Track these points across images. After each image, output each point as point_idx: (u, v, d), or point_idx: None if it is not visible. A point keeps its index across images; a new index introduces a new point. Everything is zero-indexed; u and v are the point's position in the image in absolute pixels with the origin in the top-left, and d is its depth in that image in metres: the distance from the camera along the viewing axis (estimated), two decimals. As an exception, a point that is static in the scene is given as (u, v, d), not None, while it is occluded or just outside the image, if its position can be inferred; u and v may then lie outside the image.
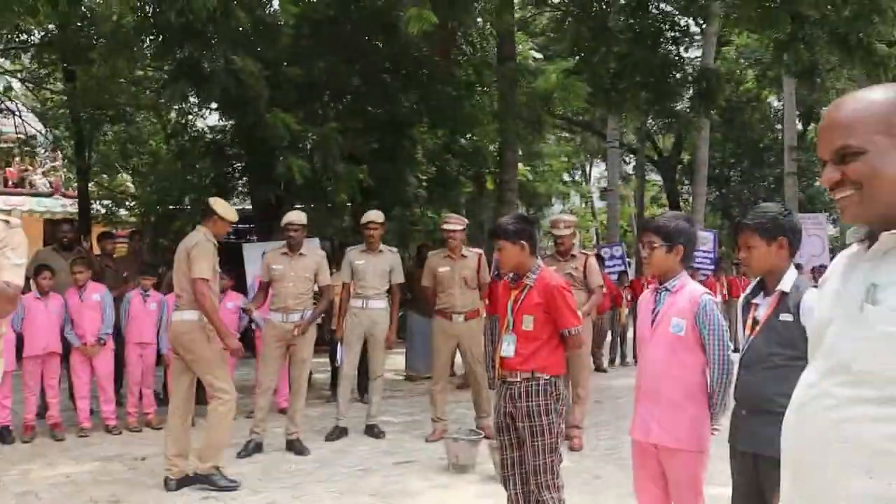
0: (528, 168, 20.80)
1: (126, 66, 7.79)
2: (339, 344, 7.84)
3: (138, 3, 7.84)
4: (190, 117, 11.47)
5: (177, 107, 10.33)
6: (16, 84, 18.21)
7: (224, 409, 5.87)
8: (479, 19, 10.63)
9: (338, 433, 7.60)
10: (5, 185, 19.08)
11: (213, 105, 10.23)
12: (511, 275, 4.31)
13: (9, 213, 3.42)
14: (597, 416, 8.41)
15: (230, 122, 9.97)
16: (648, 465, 3.67)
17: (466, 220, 7.54)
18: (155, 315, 8.03)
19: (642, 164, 26.09)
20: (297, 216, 7.19)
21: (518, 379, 4.13)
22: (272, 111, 8.22)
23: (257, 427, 6.99)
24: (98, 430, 7.77)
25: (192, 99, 9.43)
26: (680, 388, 3.55)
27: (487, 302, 8.24)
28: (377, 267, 7.73)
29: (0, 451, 7.10)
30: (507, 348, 4.18)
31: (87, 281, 7.74)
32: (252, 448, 6.82)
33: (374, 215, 7.88)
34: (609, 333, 13.36)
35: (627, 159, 29.99)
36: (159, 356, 8.20)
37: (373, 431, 7.71)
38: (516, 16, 17.35)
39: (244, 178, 10.90)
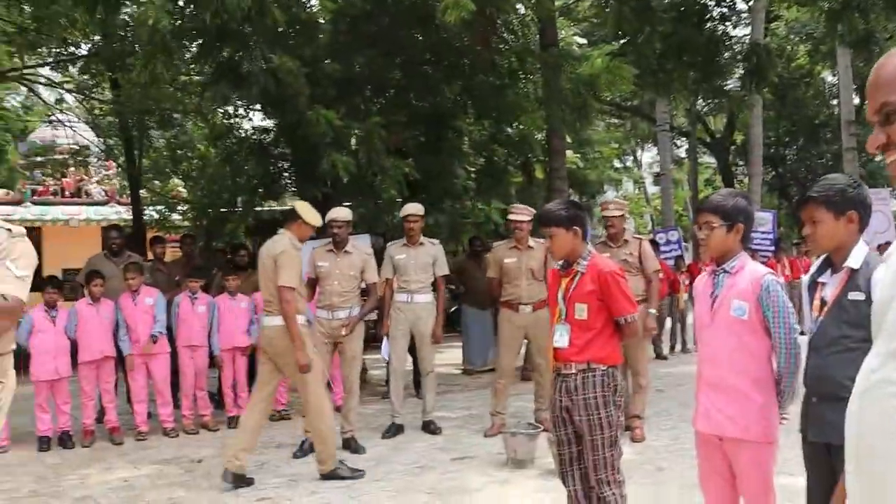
0: (578, 156, 20.52)
1: (165, 71, 7.74)
2: (385, 340, 7.75)
3: (174, 7, 7.82)
4: (235, 119, 11.46)
5: (221, 109, 10.32)
6: (67, 96, 18.49)
7: (319, 419, 5.98)
8: (520, 6, 10.41)
9: (394, 430, 7.53)
10: (62, 195, 19.34)
11: (257, 105, 10.19)
12: (561, 262, 4.14)
13: (12, 222, 3.27)
14: (658, 405, 8.21)
15: (273, 121, 9.93)
16: (713, 457, 3.49)
17: (533, 210, 7.37)
18: (204, 317, 8.02)
19: (694, 147, 25.59)
20: (340, 212, 7.11)
21: (573, 371, 3.98)
22: (313, 108, 8.14)
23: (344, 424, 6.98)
24: (156, 432, 7.82)
25: (235, 101, 9.37)
26: (745, 375, 3.36)
27: None
28: (419, 260, 7.63)
29: (61, 456, 7.18)
30: (561, 338, 4.03)
31: (139, 286, 7.76)
32: (307, 447, 6.77)
33: (413, 208, 7.81)
34: (668, 320, 13.09)
35: (679, 142, 29.48)
36: (212, 358, 8.21)
37: (429, 428, 7.62)
38: (559, 2, 17.17)
39: (290, 177, 10.84)
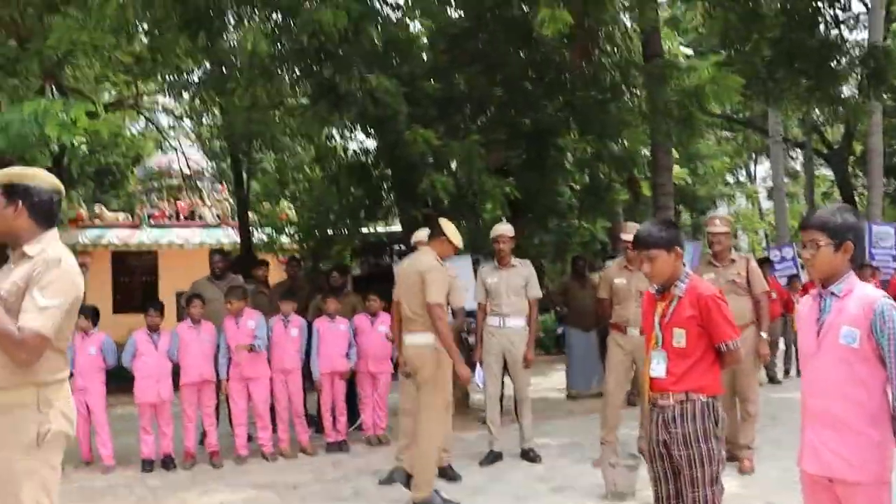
0: (687, 171, 19.95)
1: (265, 95, 7.80)
2: (478, 365, 7.56)
3: (272, 31, 7.87)
4: (339, 140, 11.52)
5: (324, 131, 10.37)
6: (178, 122, 19.09)
7: (428, 443, 5.92)
8: (625, 16, 10.13)
9: (492, 458, 7.31)
10: (177, 219, 19.95)
11: (359, 126, 10.20)
12: (656, 286, 3.88)
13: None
14: (769, 434, 7.73)
15: (374, 141, 9.93)
16: (822, 499, 3.15)
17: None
18: (297, 341, 7.98)
19: (810, 158, 24.57)
20: (421, 234, 7.02)
21: (671, 402, 3.71)
22: (411, 128, 8.06)
23: (402, 454, 6.75)
24: (255, 456, 7.80)
25: (335, 122, 9.39)
26: (856, 410, 3.02)
27: None
28: (511, 282, 7.41)
29: (163, 479, 7.24)
30: (657, 367, 3.76)
31: (241, 309, 7.80)
32: (397, 476, 6.63)
33: (503, 229, 7.60)
34: (781, 341, 12.47)
35: (794, 154, 28.39)
36: (311, 381, 8.19)
37: (528, 456, 7.38)
38: (665, 14, 16.72)
39: (392, 198, 10.81)
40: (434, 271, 5.84)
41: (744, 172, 37.53)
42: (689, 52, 14.97)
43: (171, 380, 7.67)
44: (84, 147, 8.02)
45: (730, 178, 32.95)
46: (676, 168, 15.61)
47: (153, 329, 7.65)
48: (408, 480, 6.04)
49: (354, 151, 10.95)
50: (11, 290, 3.05)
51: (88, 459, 7.82)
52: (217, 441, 7.78)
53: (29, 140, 7.59)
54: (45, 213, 3.22)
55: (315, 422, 8.71)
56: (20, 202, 3.17)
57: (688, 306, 3.71)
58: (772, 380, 11.96)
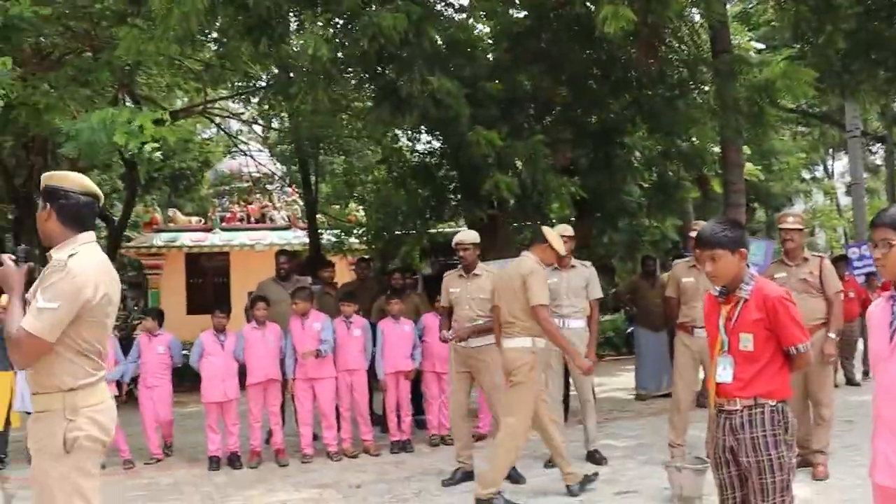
0: (760, 168, 19.46)
1: (326, 99, 7.85)
2: None
3: (333, 36, 7.92)
4: (406, 142, 11.57)
5: (388, 133, 10.42)
6: (246, 127, 19.39)
7: (511, 441, 5.92)
8: (693, 10, 9.90)
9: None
10: (248, 221, 20.27)
11: (422, 127, 10.21)
12: (719, 288, 3.76)
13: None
14: (845, 439, 7.48)
15: (438, 143, 9.93)
16: (899, 515, 3.00)
17: None
18: (360, 341, 8.03)
19: (892, 152, 23.73)
20: (467, 235, 6.97)
21: (738, 407, 3.57)
22: (474, 129, 8.03)
23: (461, 455, 6.78)
24: (320, 455, 7.87)
25: (398, 124, 9.43)
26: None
27: None
28: (571, 284, 7.34)
29: (228, 476, 7.36)
30: (724, 373, 3.63)
31: (307, 310, 7.87)
32: (459, 476, 6.61)
33: (563, 228, 7.54)
34: (860, 341, 12.07)
35: (873, 149, 27.50)
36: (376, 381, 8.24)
37: (594, 458, 7.28)
38: (736, 8, 16.36)
39: (456, 199, 10.79)
40: (535, 274, 5.94)
41: (820, 168, 36.50)
42: (761, 46, 14.58)
43: (238, 379, 7.80)
44: (156, 153, 8.15)
45: (806, 174, 32.02)
46: (749, 165, 15.27)
47: (220, 330, 7.79)
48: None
49: (420, 153, 10.96)
50: (32, 294, 3.13)
51: (159, 456, 8.02)
52: (283, 440, 7.88)
53: (97, 147, 7.79)
54: (74, 217, 3.24)
55: (380, 421, 8.77)
56: (49, 205, 3.23)
57: (754, 309, 3.57)
58: (850, 381, 11.59)
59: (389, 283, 9.39)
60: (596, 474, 6.42)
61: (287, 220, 20.85)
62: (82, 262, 3.13)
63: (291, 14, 8.09)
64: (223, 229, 19.78)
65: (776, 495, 3.50)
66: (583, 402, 7.45)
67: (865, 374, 12.08)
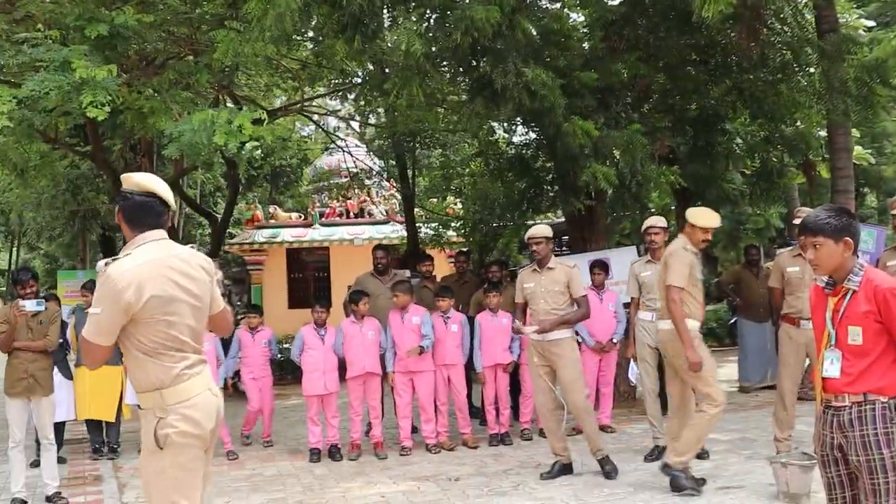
0: (870, 151, 18.66)
1: (421, 94, 7.88)
2: (632, 362, 7.39)
3: (426, 30, 7.94)
4: (501, 134, 11.52)
5: (484, 126, 10.39)
6: (343, 124, 19.66)
7: (710, 414, 5.97)
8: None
9: (657, 454, 7.10)
10: (347, 216, 20.56)
11: (518, 119, 10.14)
12: (826, 279, 3.60)
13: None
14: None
15: (533, 134, 9.85)
16: None
17: None
18: (457, 336, 8.04)
19: None
20: (537, 230, 6.88)
21: (847, 403, 3.42)
22: (570, 119, 7.93)
23: (556, 447, 6.76)
24: (419, 448, 7.94)
25: (493, 117, 9.39)
26: None
27: None
28: None
29: (328, 468, 7.49)
30: (831, 367, 3.47)
31: (407, 304, 7.93)
32: (557, 469, 6.57)
33: (654, 220, 7.48)
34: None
35: None
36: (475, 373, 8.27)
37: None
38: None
39: (553, 191, 10.70)
40: (674, 255, 5.98)
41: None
42: (871, 23, 13.98)
43: (338, 373, 7.92)
44: (256, 152, 8.36)
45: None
46: (858, 148, 14.64)
47: (320, 324, 7.91)
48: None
49: (516, 145, 10.91)
50: None
51: (268, 439, 8.37)
52: (382, 433, 7.96)
53: (199, 148, 8.00)
54: (134, 216, 3.29)
55: (478, 414, 8.78)
56: (118, 206, 3.31)
57: (863, 301, 3.40)
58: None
59: (487, 275, 9.37)
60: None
61: (385, 214, 21.09)
62: (123, 266, 3.14)
63: (384, 10, 8.13)
64: (323, 224, 20.09)
65: (889, 497, 3.33)
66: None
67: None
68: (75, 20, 8.51)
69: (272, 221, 20.27)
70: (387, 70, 10.61)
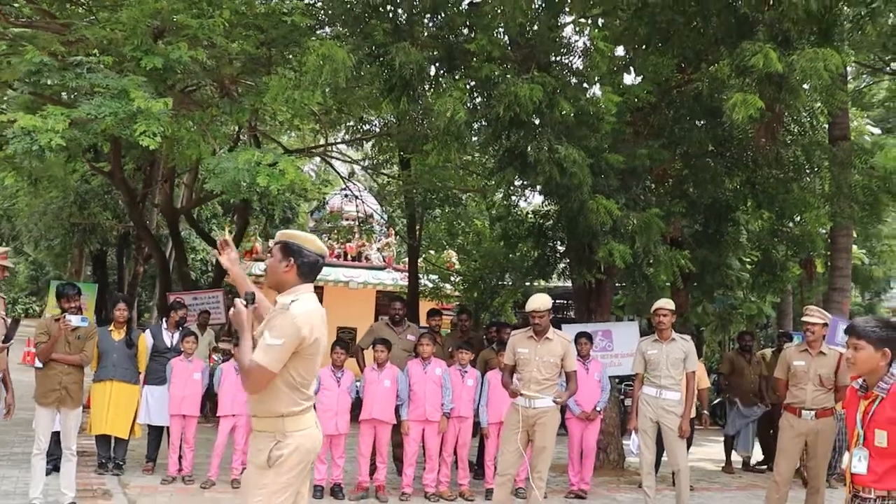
0: (864, 251, 19.24)
1: (457, 157, 8.32)
2: (633, 434, 7.75)
3: (471, 99, 8.39)
4: (514, 199, 11.97)
5: (512, 193, 10.83)
6: (357, 169, 20.09)
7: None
8: (814, 97, 10.11)
9: (649, 525, 7.42)
10: (344, 259, 20.86)
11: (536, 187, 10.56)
12: (860, 382, 4.00)
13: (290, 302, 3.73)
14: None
15: (552, 206, 10.27)
16: None
17: (829, 315, 7.18)
18: (472, 390, 8.37)
19: None
20: (540, 301, 7.08)
21: (872, 496, 3.82)
22: (595, 197, 8.37)
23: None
24: (417, 495, 8.22)
25: (517, 184, 9.81)
26: None
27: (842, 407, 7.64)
28: (671, 356, 7.62)
29: (330, 506, 7.71)
30: (859, 464, 3.87)
31: (431, 355, 8.27)
32: None
33: (664, 302, 7.88)
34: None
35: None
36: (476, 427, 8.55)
37: (685, 525, 7.44)
38: (850, 87, 16.43)
39: (563, 260, 11.12)
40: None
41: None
42: (877, 130, 14.62)
43: (349, 415, 8.18)
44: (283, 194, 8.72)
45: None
46: (854, 248, 15.19)
47: (338, 366, 8.19)
48: None
49: (532, 213, 11.33)
50: (259, 333, 3.68)
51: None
52: (385, 477, 8.21)
53: (241, 187, 8.37)
54: (309, 272, 3.82)
55: (474, 468, 9.06)
56: (292, 260, 3.73)
57: (890, 408, 3.79)
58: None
59: (496, 336, 9.69)
60: None
61: (383, 260, 21.42)
62: (302, 307, 3.66)
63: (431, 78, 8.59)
64: (320, 265, 20.38)
65: None
66: (677, 471, 7.61)
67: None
68: (132, 50, 8.91)
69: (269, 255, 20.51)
70: (411, 128, 11.10)
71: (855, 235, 14.85)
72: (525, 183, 9.21)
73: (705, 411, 9.83)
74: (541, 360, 6.89)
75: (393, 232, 21.39)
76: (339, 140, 17.16)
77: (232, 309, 3.71)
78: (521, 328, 7.61)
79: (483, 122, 8.79)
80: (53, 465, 7.01)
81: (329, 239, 21.80)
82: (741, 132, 9.95)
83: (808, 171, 10.29)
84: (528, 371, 6.92)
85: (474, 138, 9.82)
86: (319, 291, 20.43)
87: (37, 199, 19.53)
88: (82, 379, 7.04)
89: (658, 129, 9.73)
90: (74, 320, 6.68)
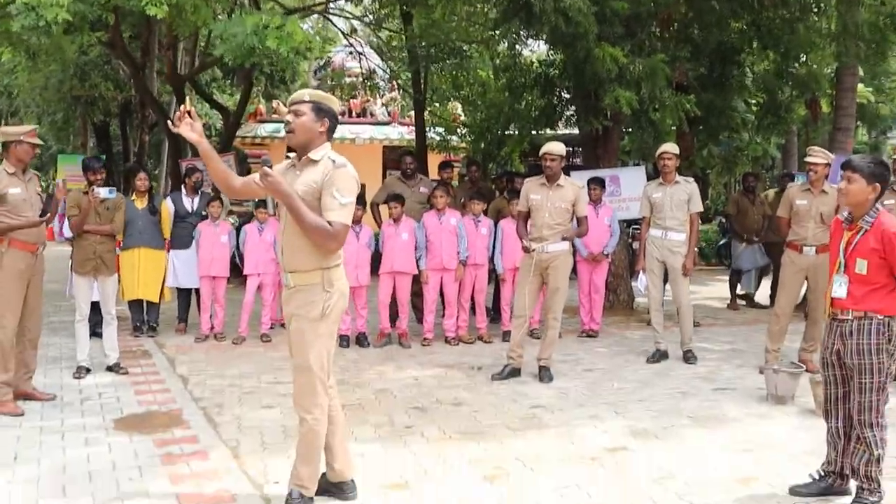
0: (871, 89, 19.17)
1: (461, 7, 8.32)
2: (641, 273, 8.12)
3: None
4: (518, 48, 11.94)
5: (505, 42, 10.79)
6: (357, 25, 19.80)
7: None
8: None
9: (658, 356, 7.92)
10: (349, 116, 20.88)
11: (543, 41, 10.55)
12: (846, 214, 4.29)
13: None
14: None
15: (558, 55, 10.28)
16: None
17: (831, 155, 7.39)
18: (486, 239, 8.72)
19: None
20: (554, 147, 7.22)
21: (850, 317, 4.18)
22: (600, 45, 8.42)
23: (512, 353, 7.23)
24: (438, 340, 8.69)
25: (522, 34, 9.79)
26: None
27: None
28: (675, 198, 7.90)
29: (359, 353, 8.20)
30: (839, 289, 4.23)
31: (445, 206, 8.57)
32: (508, 372, 7.15)
33: (669, 146, 8.05)
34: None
35: None
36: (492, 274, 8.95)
37: (686, 357, 7.92)
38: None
39: (571, 109, 11.23)
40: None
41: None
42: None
43: (370, 268, 8.54)
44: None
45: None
46: (860, 86, 15.19)
47: (355, 221, 8.43)
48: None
49: (538, 63, 11.35)
50: (307, 191, 3.81)
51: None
52: (407, 324, 8.66)
53: (251, 51, 8.41)
54: (334, 130, 3.99)
55: (490, 313, 9.50)
56: (326, 120, 3.92)
57: (872, 239, 4.13)
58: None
59: (508, 185, 9.93)
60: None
61: (387, 115, 21.44)
62: (348, 163, 3.87)
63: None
64: (324, 122, 20.40)
65: (873, 393, 4.14)
66: (679, 306, 8.02)
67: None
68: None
69: (274, 116, 20.47)
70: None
71: (861, 74, 14.82)
72: (530, 34, 9.18)
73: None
74: (552, 206, 7.11)
75: (397, 86, 21.32)
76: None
77: (264, 178, 3.73)
78: (530, 176, 7.81)
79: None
80: (91, 330, 7.35)
81: (333, 96, 21.79)
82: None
83: (814, 9, 10.23)
84: (540, 216, 7.16)
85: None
86: (327, 150, 20.65)
87: (36, 74, 19.33)
88: (115, 248, 7.35)
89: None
90: (103, 192, 6.91)
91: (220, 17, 9.53)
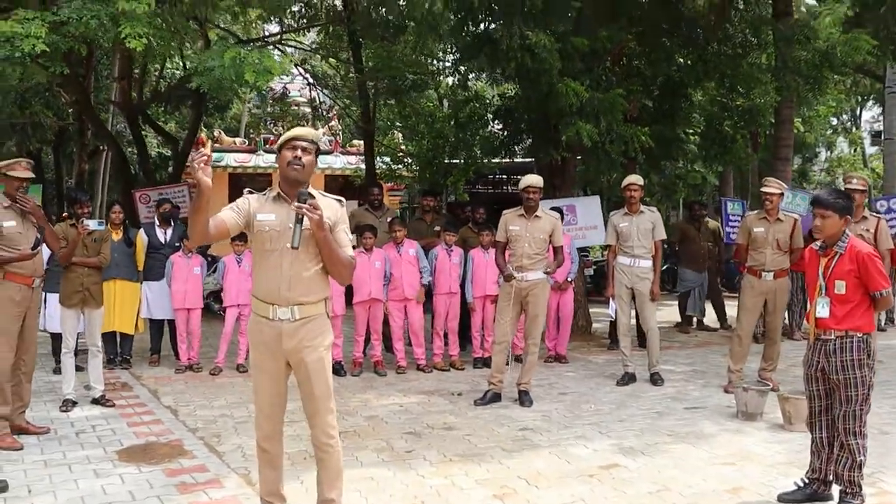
0: (799, 119, 20.10)
1: (433, 45, 8.67)
2: (611, 300, 8.51)
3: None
4: (477, 83, 12.28)
5: (471, 77, 11.17)
6: (308, 56, 19.98)
7: None
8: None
9: (627, 379, 8.29)
10: (289, 145, 20.92)
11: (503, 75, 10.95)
12: (820, 243, 4.74)
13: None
14: (879, 376, 8.39)
15: (516, 89, 10.62)
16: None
17: (785, 186, 7.86)
18: (457, 268, 9.00)
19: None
20: (534, 179, 7.55)
21: (832, 337, 4.62)
22: (563, 80, 8.83)
23: (493, 378, 7.51)
24: (411, 368, 8.90)
25: (490, 73, 10.16)
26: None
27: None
28: (641, 227, 8.30)
29: (338, 382, 8.20)
30: (822, 310, 4.66)
31: (403, 238, 8.81)
32: (490, 398, 7.44)
33: (634, 178, 8.52)
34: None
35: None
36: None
37: (653, 379, 8.29)
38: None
39: (529, 139, 11.61)
40: None
41: (845, 116, 36.75)
42: (813, 1, 15.16)
43: (344, 298, 8.73)
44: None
45: (833, 121, 32.32)
46: (790, 115, 15.96)
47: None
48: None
49: (499, 96, 11.73)
50: (328, 224, 3.98)
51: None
52: (381, 352, 8.87)
53: (226, 84, 8.59)
54: None
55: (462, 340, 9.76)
56: (315, 159, 4.10)
57: (847, 261, 4.61)
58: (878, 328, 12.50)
59: (474, 217, 10.19)
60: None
61: (329, 144, 21.54)
62: None
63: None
64: (266, 151, 20.46)
65: (857, 405, 4.57)
66: (647, 330, 8.41)
67: (891, 321, 12.94)
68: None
69: (216, 146, 20.39)
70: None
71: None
72: (495, 70, 9.57)
73: None
74: (532, 237, 7.40)
75: (335, 115, 21.50)
76: (290, 28, 17.07)
77: (312, 213, 3.77)
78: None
79: (457, 14, 9.05)
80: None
81: (279, 126, 21.82)
82: (692, 11, 10.41)
83: (756, 46, 10.84)
84: (520, 246, 7.42)
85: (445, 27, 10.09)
86: (268, 178, 20.65)
87: (-25, 99, 18.98)
88: (101, 280, 7.41)
89: (617, 11, 10.13)
90: (91, 224, 6.99)
91: (186, 47, 9.61)
